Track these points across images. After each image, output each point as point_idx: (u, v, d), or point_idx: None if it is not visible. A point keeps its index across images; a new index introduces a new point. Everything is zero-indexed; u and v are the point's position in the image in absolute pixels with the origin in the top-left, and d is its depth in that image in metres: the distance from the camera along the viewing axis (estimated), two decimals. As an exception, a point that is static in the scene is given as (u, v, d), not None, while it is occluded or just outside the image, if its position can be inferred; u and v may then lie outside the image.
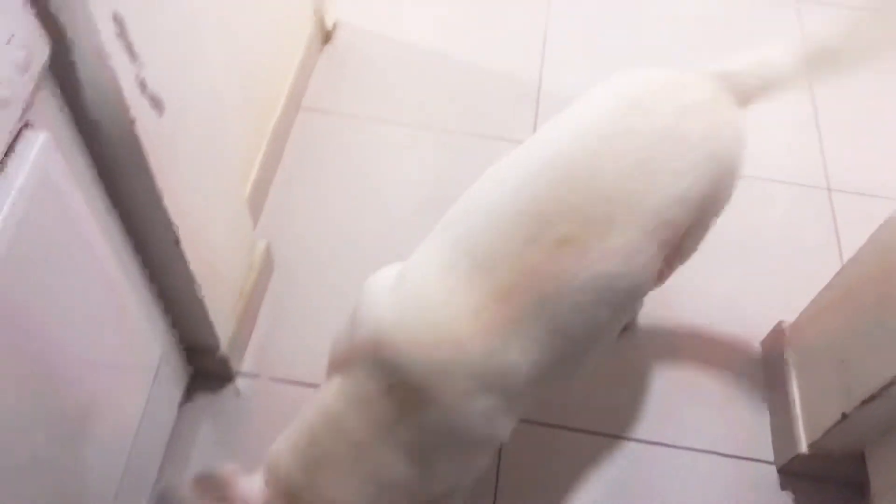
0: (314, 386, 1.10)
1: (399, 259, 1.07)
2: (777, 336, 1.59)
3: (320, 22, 2.09)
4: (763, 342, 1.67)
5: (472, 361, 0.92)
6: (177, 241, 1.15)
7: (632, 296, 1.05)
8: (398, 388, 0.93)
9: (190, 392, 1.49)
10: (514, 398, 0.97)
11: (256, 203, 1.76)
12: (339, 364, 1.00)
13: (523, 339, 0.94)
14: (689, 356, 1.66)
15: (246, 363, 1.57)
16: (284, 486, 0.97)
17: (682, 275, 1.32)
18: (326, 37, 2.15)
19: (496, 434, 1.00)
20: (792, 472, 1.49)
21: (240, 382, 1.54)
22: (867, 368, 1.27)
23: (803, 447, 1.43)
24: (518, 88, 2.10)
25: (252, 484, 0.99)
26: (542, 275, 0.93)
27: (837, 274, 1.41)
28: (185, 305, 1.30)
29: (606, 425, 1.55)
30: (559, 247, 0.94)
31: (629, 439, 1.54)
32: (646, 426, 1.55)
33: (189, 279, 1.23)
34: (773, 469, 1.51)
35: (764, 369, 1.63)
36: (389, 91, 2.07)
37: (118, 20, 0.87)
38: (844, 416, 1.31)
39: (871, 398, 1.25)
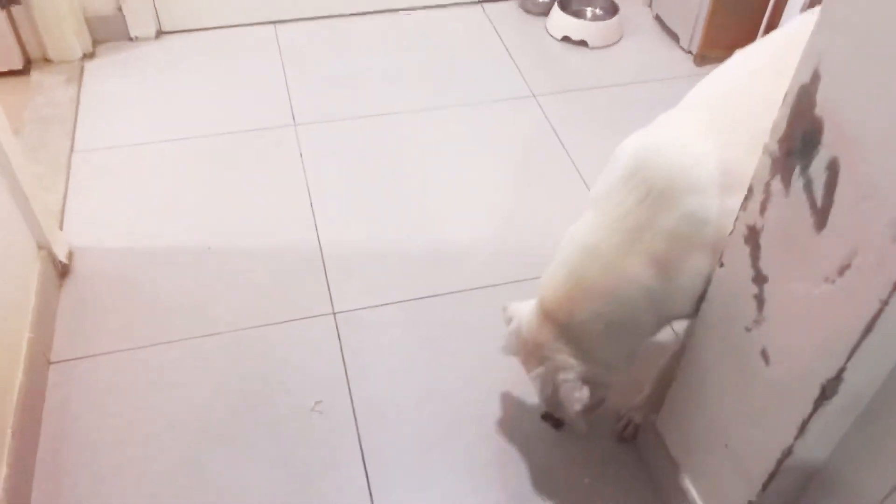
0: None
1: None
2: (653, 438, 1.48)
3: (49, 258, 1.78)
4: (640, 445, 1.55)
5: (712, 170, 1.17)
6: None
7: None
8: (652, 196, 1.18)
9: None
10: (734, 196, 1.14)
11: (16, 504, 1.37)
12: (595, 199, 1.29)
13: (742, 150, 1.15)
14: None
15: None
16: (546, 308, 1.30)
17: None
18: (63, 271, 1.85)
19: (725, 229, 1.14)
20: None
21: None
22: (754, 447, 1.16)
23: (724, 550, 1.29)
24: (301, 261, 1.92)
25: (527, 307, 1.37)
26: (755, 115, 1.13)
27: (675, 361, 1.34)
28: None
29: None
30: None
31: None
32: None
33: None
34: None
35: (650, 473, 1.51)
36: (157, 309, 1.80)
37: None
38: (752, 504, 1.20)
39: (771, 478, 1.15)
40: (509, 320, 1.41)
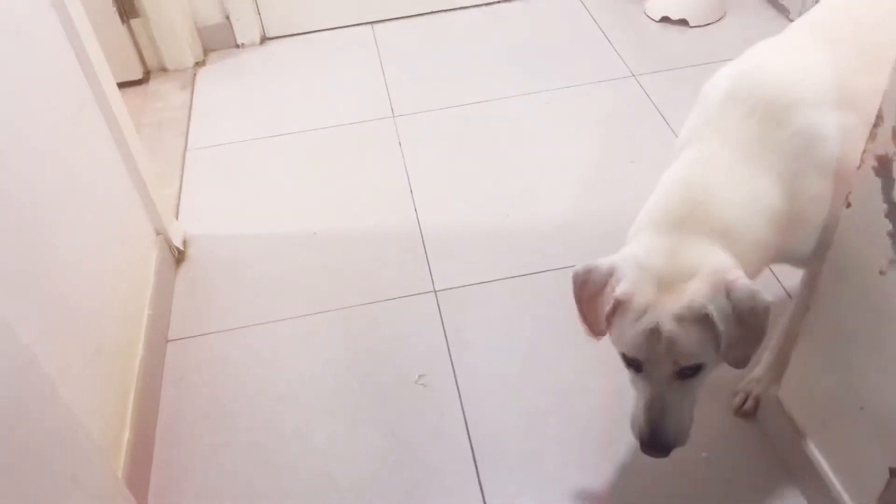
0: None
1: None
2: (775, 408, 1.38)
3: (166, 244, 1.88)
4: (760, 417, 1.45)
5: (825, 82, 1.12)
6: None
7: None
8: (759, 112, 1.13)
9: None
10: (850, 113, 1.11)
11: (137, 473, 1.44)
12: (686, 140, 1.24)
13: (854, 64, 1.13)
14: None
15: None
16: (671, 222, 1.13)
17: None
18: (180, 257, 1.94)
19: (847, 148, 1.10)
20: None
21: None
22: (895, 406, 1.06)
23: (860, 523, 1.18)
24: (402, 243, 1.93)
25: (625, 254, 1.15)
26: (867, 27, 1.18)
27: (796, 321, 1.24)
28: None
29: None
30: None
31: None
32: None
33: None
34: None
35: (773, 447, 1.41)
36: (267, 290, 1.85)
37: None
38: (893, 471, 1.09)
39: (916, 439, 1.04)
40: (582, 283, 1.17)
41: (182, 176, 2.23)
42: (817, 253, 1.16)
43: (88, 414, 1.31)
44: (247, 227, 2.04)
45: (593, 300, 1.15)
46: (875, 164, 0.99)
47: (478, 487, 1.41)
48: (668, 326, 1.05)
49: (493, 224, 1.96)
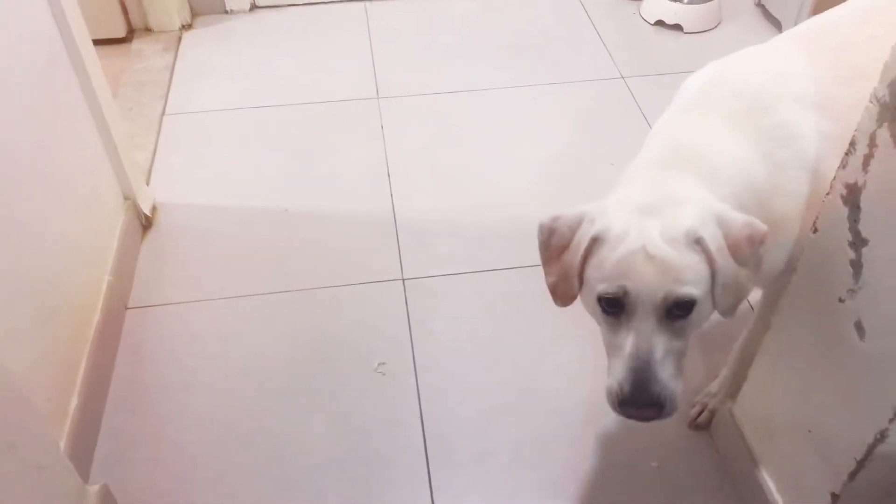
0: None
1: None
2: (728, 423, 1.38)
3: (134, 210, 1.84)
4: (714, 431, 1.46)
5: (804, 85, 1.12)
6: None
7: None
8: (743, 98, 1.12)
9: None
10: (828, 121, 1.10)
11: (83, 441, 1.41)
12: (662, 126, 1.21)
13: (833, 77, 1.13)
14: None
15: None
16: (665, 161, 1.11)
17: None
18: (147, 223, 1.90)
19: (822, 154, 1.09)
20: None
21: None
22: (842, 431, 1.07)
23: (801, 546, 1.19)
24: (374, 227, 1.91)
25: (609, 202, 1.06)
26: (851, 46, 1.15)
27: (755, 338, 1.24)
28: None
29: None
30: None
31: None
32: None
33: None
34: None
35: (723, 462, 1.41)
36: (233, 263, 1.83)
37: None
38: (835, 496, 1.10)
39: (860, 467, 1.05)
40: (549, 233, 1.07)
41: (157, 140, 2.19)
42: (783, 274, 1.16)
43: (36, 379, 1.29)
44: (219, 197, 2.00)
45: (561, 252, 1.06)
46: (844, 191, 0.98)
47: (427, 481, 1.40)
48: (659, 246, 0.96)
49: (468, 216, 1.94)
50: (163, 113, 2.29)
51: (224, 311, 1.71)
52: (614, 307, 1.01)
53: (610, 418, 1.49)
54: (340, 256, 1.84)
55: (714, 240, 0.98)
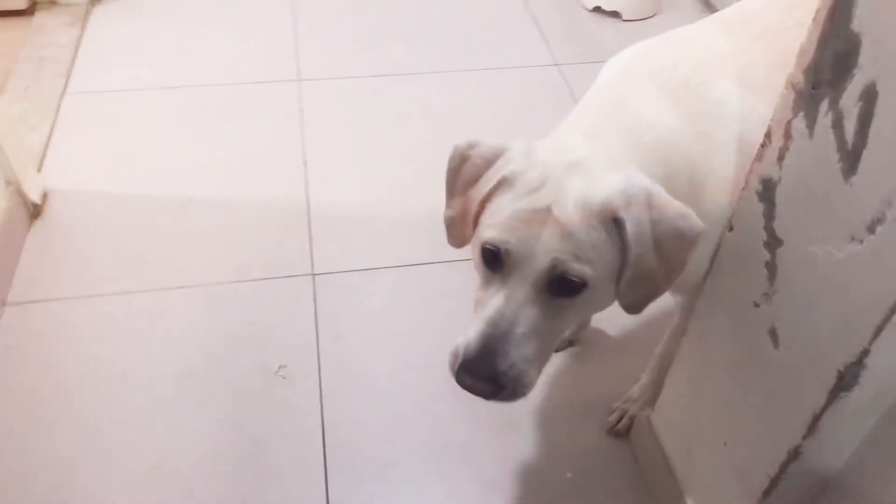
0: None
1: None
2: (646, 431, 1.30)
3: (18, 196, 1.68)
4: (632, 439, 1.38)
5: (743, 62, 1.02)
6: None
7: None
8: (685, 68, 1.01)
9: None
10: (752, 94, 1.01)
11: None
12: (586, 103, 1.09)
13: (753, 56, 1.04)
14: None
15: None
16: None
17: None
18: (35, 212, 1.74)
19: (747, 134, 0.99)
20: None
21: None
22: (756, 447, 0.99)
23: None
24: (285, 218, 1.78)
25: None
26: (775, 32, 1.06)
27: (674, 343, 1.16)
28: None
29: None
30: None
31: None
32: None
33: None
34: None
35: (641, 474, 1.33)
36: (128, 257, 1.68)
37: None
38: (750, 513, 1.02)
39: (773, 485, 0.97)
40: (461, 161, 0.96)
41: (55, 122, 2.01)
42: (696, 280, 1.07)
43: None
44: (118, 185, 1.85)
45: (468, 188, 0.94)
46: (759, 186, 0.90)
47: (324, 496, 1.29)
48: (567, 211, 0.84)
49: (388, 208, 1.83)
50: (63, 92, 2.11)
51: (113, 309, 1.57)
52: (494, 262, 0.88)
53: (525, 427, 1.40)
54: (245, 249, 1.71)
55: (637, 223, 0.85)
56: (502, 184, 0.89)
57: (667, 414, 1.25)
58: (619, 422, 1.39)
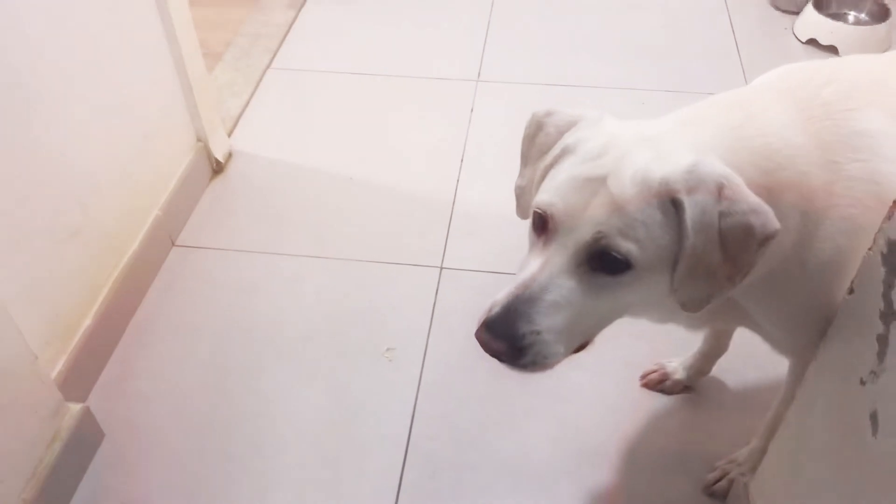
0: None
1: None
2: (742, 498, 1.18)
3: (205, 152, 1.88)
4: (728, 502, 1.26)
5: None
6: None
7: None
8: (833, 88, 0.90)
9: None
10: None
11: (88, 364, 1.45)
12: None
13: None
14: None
15: None
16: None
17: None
18: (217, 168, 1.94)
19: None
20: None
21: None
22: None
23: None
24: (430, 211, 1.83)
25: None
26: None
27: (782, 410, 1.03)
28: None
29: None
30: None
31: None
32: None
33: None
34: None
35: (731, 543, 1.21)
36: (286, 221, 1.82)
37: None
38: None
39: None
40: (537, 128, 0.93)
41: (254, 91, 2.23)
42: (810, 342, 0.95)
43: (45, 291, 1.33)
44: (294, 156, 2.01)
45: (542, 154, 0.90)
46: (885, 248, 0.78)
47: (397, 480, 1.32)
48: (622, 184, 0.78)
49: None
50: (268, 66, 2.33)
51: (259, 266, 1.71)
52: (541, 227, 0.84)
53: (614, 459, 1.33)
54: (386, 233, 1.78)
55: (700, 210, 0.77)
56: (566, 151, 0.85)
57: (764, 485, 1.13)
58: (717, 481, 1.28)
